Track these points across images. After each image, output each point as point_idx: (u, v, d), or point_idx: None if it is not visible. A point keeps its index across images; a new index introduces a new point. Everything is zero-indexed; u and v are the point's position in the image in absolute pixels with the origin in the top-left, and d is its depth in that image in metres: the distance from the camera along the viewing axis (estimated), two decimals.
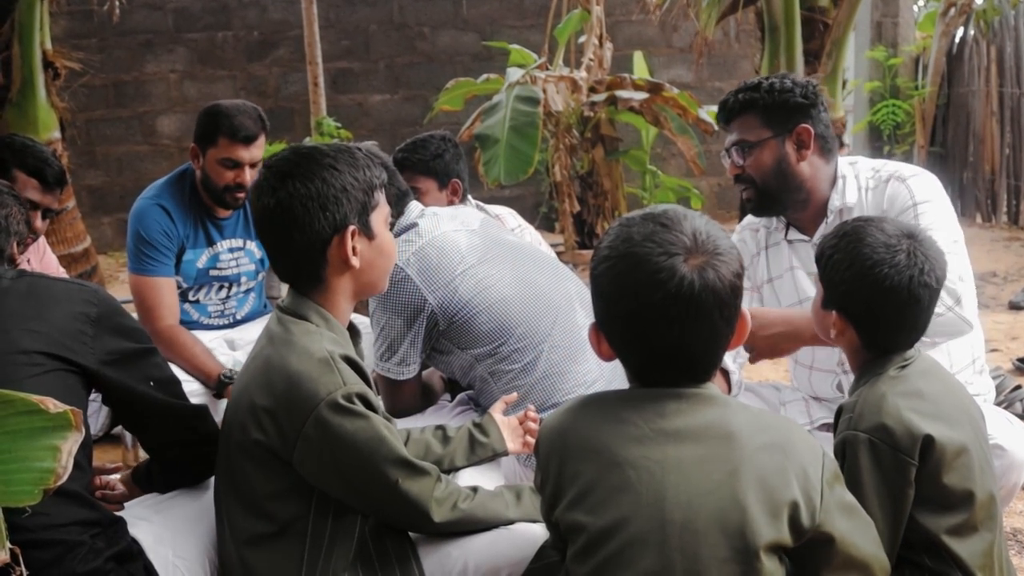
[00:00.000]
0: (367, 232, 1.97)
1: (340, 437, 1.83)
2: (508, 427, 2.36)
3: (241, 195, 3.37)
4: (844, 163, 2.62)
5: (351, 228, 1.93)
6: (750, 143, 2.56)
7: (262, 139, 3.37)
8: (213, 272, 3.51)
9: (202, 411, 2.12)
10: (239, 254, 3.55)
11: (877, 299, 1.87)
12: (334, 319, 1.96)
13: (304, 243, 1.91)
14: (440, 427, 2.35)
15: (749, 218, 2.80)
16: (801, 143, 2.53)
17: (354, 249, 1.94)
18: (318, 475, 1.87)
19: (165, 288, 3.33)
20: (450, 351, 2.60)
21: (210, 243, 3.47)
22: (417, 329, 2.54)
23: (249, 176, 3.34)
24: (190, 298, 3.51)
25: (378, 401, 1.94)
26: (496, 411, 2.40)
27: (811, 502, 1.54)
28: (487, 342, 2.55)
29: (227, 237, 3.51)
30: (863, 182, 2.59)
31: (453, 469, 2.28)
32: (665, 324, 1.54)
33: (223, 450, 1.98)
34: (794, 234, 2.65)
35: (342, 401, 1.83)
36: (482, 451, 2.31)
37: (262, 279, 3.74)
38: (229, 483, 1.96)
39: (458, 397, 2.86)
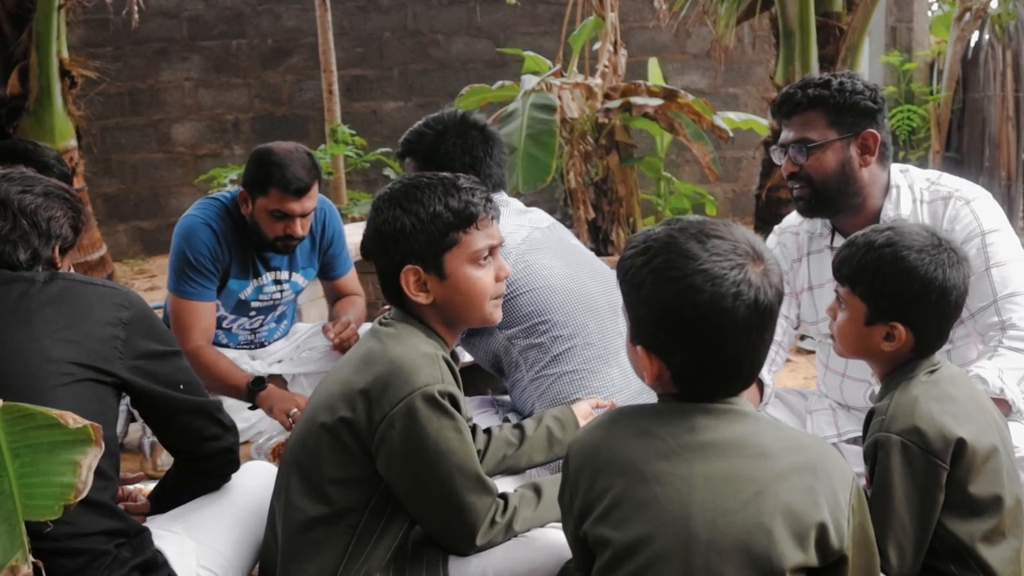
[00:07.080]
0: (437, 272, 2.00)
1: (423, 430, 1.85)
2: (586, 420, 2.36)
3: (292, 243, 3.26)
4: (896, 171, 2.57)
5: (408, 267, 1.99)
6: (813, 142, 2.48)
7: (315, 188, 3.23)
8: (255, 304, 3.44)
9: (219, 403, 2.17)
10: (285, 286, 3.47)
11: (944, 299, 1.89)
12: (437, 334, 2.02)
13: (380, 268, 2.03)
14: (519, 425, 2.37)
15: (789, 220, 2.74)
16: (866, 148, 2.48)
17: (419, 285, 1.99)
18: (388, 464, 1.88)
19: (204, 312, 3.25)
20: (490, 332, 2.61)
21: (256, 275, 3.39)
22: None
23: (300, 227, 3.21)
24: (223, 326, 3.46)
25: (467, 408, 1.98)
26: (579, 409, 2.39)
27: (839, 525, 1.52)
28: (524, 322, 2.58)
29: (272, 269, 3.42)
30: (917, 193, 2.53)
31: (532, 465, 2.32)
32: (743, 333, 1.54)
33: (299, 433, 2.00)
34: (840, 241, 2.56)
35: (437, 396, 1.87)
36: (560, 448, 2.31)
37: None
38: (296, 464, 1.97)
39: (480, 399, 2.86)
